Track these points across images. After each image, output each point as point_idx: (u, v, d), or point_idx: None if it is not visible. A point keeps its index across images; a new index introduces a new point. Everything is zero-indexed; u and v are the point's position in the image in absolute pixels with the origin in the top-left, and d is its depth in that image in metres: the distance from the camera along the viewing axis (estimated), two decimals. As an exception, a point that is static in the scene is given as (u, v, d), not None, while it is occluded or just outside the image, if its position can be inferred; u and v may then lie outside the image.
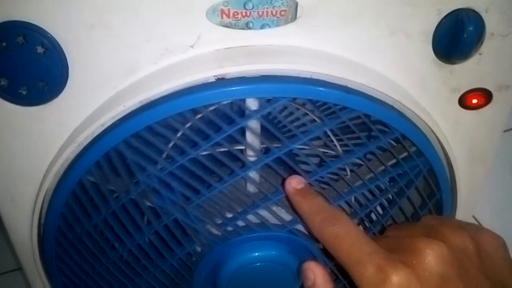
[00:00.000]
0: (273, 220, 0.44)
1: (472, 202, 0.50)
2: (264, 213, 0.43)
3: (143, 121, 0.38)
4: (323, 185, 0.43)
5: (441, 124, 0.43)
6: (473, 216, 0.72)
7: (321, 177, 0.42)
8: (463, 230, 0.36)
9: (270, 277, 0.46)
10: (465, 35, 0.38)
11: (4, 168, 0.41)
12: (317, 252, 0.46)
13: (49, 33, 0.35)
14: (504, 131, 0.46)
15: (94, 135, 0.39)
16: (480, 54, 0.40)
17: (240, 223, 0.44)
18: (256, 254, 0.45)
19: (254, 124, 0.41)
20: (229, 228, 0.44)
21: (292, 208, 0.41)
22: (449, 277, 0.33)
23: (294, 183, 0.40)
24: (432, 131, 0.43)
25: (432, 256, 0.33)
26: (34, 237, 0.44)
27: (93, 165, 0.40)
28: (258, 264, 0.45)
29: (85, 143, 0.39)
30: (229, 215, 0.43)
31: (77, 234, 0.43)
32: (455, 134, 0.44)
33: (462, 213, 0.49)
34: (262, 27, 0.37)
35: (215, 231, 0.44)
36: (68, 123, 0.39)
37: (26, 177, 0.41)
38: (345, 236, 0.36)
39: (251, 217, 0.43)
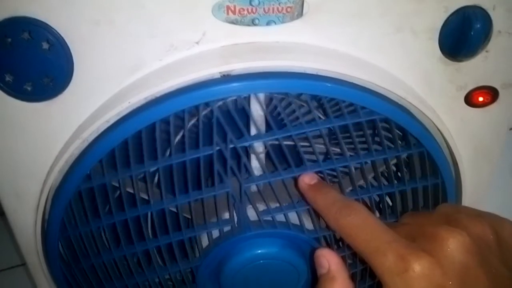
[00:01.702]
0: (278, 217, 0.44)
1: (477, 201, 0.50)
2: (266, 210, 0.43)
3: (148, 117, 0.38)
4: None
5: (446, 122, 0.43)
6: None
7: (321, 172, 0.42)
8: (482, 218, 0.35)
9: (274, 275, 0.46)
10: (472, 33, 0.38)
11: (9, 163, 0.41)
12: (313, 241, 0.46)
13: (54, 29, 0.35)
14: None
15: (99, 132, 0.39)
16: (486, 51, 0.40)
17: (226, 227, 0.44)
18: (259, 251, 0.45)
19: (259, 122, 0.40)
20: (230, 227, 0.44)
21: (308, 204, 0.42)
22: (470, 265, 0.33)
23: (307, 179, 0.40)
24: (438, 129, 0.42)
25: (454, 245, 0.33)
26: (38, 233, 0.44)
27: (98, 161, 0.39)
28: (262, 261, 0.45)
29: (90, 140, 0.39)
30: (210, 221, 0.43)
31: (81, 230, 0.43)
32: (461, 132, 0.44)
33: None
34: (268, 23, 0.37)
35: (200, 241, 0.44)
36: (73, 119, 0.39)
37: (31, 173, 0.41)
38: (362, 225, 0.35)
39: (253, 215, 0.43)
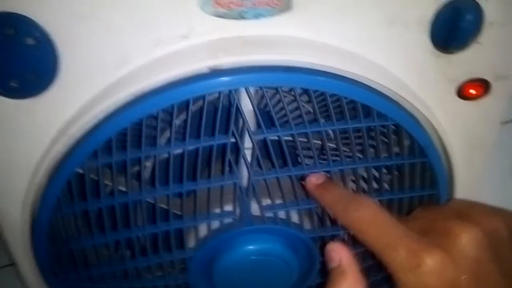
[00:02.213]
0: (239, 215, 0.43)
1: (471, 194, 0.50)
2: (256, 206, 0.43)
3: (136, 113, 0.37)
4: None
5: (438, 115, 0.43)
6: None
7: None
8: (495, 214, 0.35)
9: (266, 271, 0.46)
10: (463, 24, 0.37)
11: (-5, 161, 0.41)
12: (310, 240, 0.46)
13: (39, 25, 0.35)
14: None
15: (87, 128, 0.38)
16: (478, 43, 0.39)
17: (235, 216, 0.43)
18: (251, 247, 0.45)
19: (249, 117, 0.40)
20: (224, 222, 0.43)
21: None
22: (483, 260, 0.32)
23: (314, 179, 0.41)
24: (430, 122, 0.42)
25: (467, 240, 0.32)
26: (26, 231, 0.43)
27: (86, 158, 0.39)
28: (254, 257, 0.45)
29: (77, 136, 0.39)
30: (226, 208, 0.43)
31: (69, 228, 0.42)
32: (453, 125, 0.44)
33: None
34: (256, 17, 0.36)
35: (203, 228, 0.44)
36: (59, 116, 0.39)
37: (18, 171, 0.41)
38: (372, 219, 0.35)
39: (255, 210, 0.43)
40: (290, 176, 0.42)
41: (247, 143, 0.42)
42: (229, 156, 0.40)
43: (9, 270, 0.72)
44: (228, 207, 0.43)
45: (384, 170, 0.44)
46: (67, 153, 0.39)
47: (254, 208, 0.43)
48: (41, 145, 0.40)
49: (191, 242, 0.45)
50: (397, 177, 0.45)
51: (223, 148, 0.40)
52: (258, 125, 0.40)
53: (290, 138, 0.41)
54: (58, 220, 0.42)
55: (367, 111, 0.40)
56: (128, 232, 0.43)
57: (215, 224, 0.44)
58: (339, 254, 0.37)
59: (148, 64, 0.37)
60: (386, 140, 0.42)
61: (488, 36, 0.39)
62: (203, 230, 0.44)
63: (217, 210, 0.43)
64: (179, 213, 0.44)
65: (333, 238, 0.47)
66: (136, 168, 0.42)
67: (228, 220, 0.44)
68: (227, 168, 0.41)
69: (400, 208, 0.45)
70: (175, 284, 0.47)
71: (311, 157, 0.42)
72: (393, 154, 0.43)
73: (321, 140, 0.41)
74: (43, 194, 0.41)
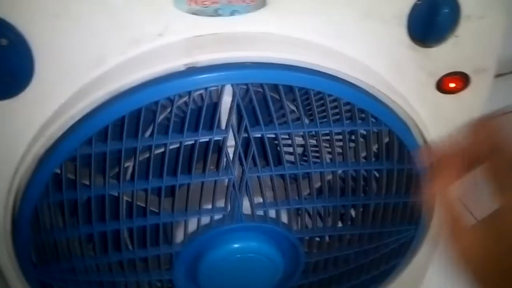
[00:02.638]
0: (248, 211, 0.43)
1: (454, 186, 0.50)
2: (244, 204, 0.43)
3: (113, 113, 0.37)
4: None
5: (419, 110, 0.43)
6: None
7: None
8: None
9: (251, 269, 0.46)
10: (439, 18, 0.37)
11: (-27, 164, 0.40)
12: (297, 241, 0.46)
13: (12, 25, 0.34)
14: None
15: (64, 129, 0.38)
16: (456, 37, 0.39)
17: (218, 215, 0.43)
18: (240, 245, 0.45)
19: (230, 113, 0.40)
20: (207, 220, 0.43)
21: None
22: None
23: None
24: (410, 117, 0.42)
25: None
26: (8, 234, 0.43)
27: (65, 159, 0.39)
28: (241, 255, 0.45)
29: (55, 137, 0.38)
30: (208, 207, 0.43)
31: (51, 229, 0.42)
32: (434, 119, 0.44)
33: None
34: (231, 13, 0.36)
35: (193, 223, 0.43)
36: (37, 117, 0.38)
37: (-2, 172, 0.41)
38: None
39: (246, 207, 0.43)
40: (282, 175, 0.42)
41: (230, 141, 0.42)
42: (226, 151, 0.40)
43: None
44: (220, 203, 0.43)
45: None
46: (46, 154, 0.39)
47: (245, 206, 0.43)
48: (20, 146, 0.40)
49: (179, 237, 0.44)
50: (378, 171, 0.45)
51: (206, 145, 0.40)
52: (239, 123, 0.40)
53: (274, 136, 0.41)
54: (39, 220, 0.42)
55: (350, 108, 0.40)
56: (116, 224, 0.42)
57: (205, 220, 0.44)
58: (436, 150, 0.36)
59: (124, 63, 0.37)
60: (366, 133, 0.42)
61: (465, 29, 0.39)
62: (192, 225, 0.44)
63: (209, 206, 0.43)
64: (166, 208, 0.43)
65: (321, 239, 0.47)
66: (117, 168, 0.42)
67: (218, 216, 0.43)
68: (223, 164, 0.41)
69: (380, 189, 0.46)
70: (158, 280, 0.47)
71: (291, 154, 0.41)
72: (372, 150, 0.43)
73: (303, 138, 0.41)
74: (24, 196, 0.40)
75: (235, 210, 0.43)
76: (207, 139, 0.40)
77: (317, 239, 0.48)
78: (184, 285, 0.47)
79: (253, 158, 0.41)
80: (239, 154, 0.41)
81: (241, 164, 0.41)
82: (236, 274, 0.46)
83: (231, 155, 0.42)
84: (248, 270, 0.46)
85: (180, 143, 0.39)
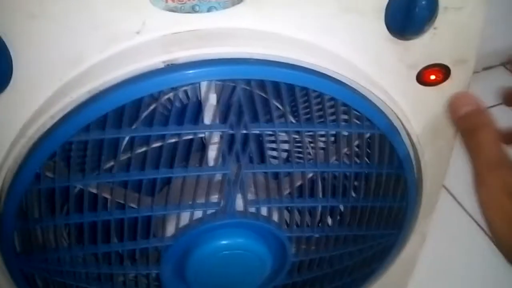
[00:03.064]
0: (240, 207, 0.43)
1: (440, 176, 0.50)
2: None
3: (93, 112, 0.37)
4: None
5: (400, 103, 0.43)
6: (444, 186, 0.72)
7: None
8: None
9: (239, 266, 0.46)
10: (417, 10, 0.37)
11: (-46, 167, 0.40)
12: (286, 240, 0.46)
13: (-12, 26, 0.34)
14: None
15: (45, 128, 0.38)
16: (434, 28, 0.39)
17: (205, 211, 0.43)
18: (223, 242, 0.45)
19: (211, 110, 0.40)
20: (199, 215, 0.43)
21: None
22: None
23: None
24: (392, 110, 0.42)
25: None
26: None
27: (47, 159, 0.39)
28: (228, 252, 0.45)
29: (36, 137, 0.38)
30: (197, 202, 0.43)
31: (35, 230, 0.42)
32: (416, 112, 0.44)
33: (430, 190, 0.48)
34: (209, 9, 0.36)
35: (179, 220, 0.43)
36: (17, 118, 0.38)
37: (-22, 176, 0.40)
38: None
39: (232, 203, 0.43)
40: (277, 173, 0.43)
41: (215, 138, 0.42)
42: (224, 146, 0.40)
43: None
44: (214, 198, 0.43)
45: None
46: (27, 155, 0.39)
47: (238, 203, 0.43)
48: (1, 148, 0.39)
49: (170, 231, 0.44)
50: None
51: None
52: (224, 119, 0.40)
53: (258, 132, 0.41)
54: (23, 219, 0.42)
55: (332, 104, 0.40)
56: (107, 215, 0.42)
57: (197, 215, 0.44)
58: (471, 98, 0.37)
59: (103, 61, 0.37)
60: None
61: (443, 21, 0.39)
62: (184, 219, 0.44)
63: (202, 200, 0.43)
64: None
65: (309, 239, 0.48)
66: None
67: (211, 211, 0.43)
68: (220, 159, 0.41)
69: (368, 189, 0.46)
70: (144, 275, 0.47)
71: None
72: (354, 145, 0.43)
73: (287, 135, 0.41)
74: (7, 198, 0.40)
75: (228, 205, 0.43)
76: (191, 136, 0.40)
77: (305, 238, 0.48)
78: (171, 280, 0.47)
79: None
80: (237, 149, 0.40)
81: (238, 160, 0.41)
82: (224, 271, 0.46)
83: (214, 152, 0.42)
84: (236, 267, 0.46)
85: (165, 136, 0.39)
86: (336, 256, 0.50)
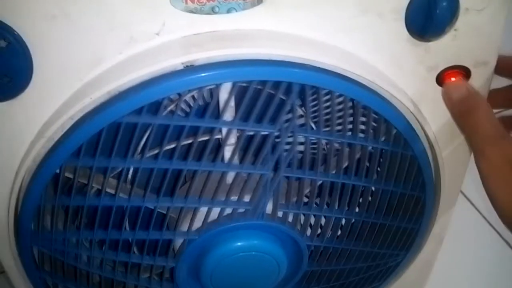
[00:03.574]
0: (253, 209, 0.43)
1: (458, 179, 0.49)
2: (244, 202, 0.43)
3: (113, 113, 0.37)
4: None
5: (420, 104, 0.42)
6: (461, 191, 0.72)
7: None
8: None
9: (253, 267, 0.46)
10: (438, 11, 0.37)
11: (-27, 167, 0.40)
12: (305, 248, 0.46)
13: (10, 26, 0.34)
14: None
15: (64, 129, 0.38)
16: (455, 30, 0.39)
17: (220, 213, 0.43)
18: (239, 244, 0.44)
19: (229, 112, 0.40)
20: (209, 219, 0.43)
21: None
22: None
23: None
24: (411, 112, 0.42)
25: None
26: (11, 236, 0.43)
27: (66, 159, 0.39)
28: (239, 254, 0.45)
29: (55, 138, 0.38)
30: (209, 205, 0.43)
31: (53, 231, 0.42)
32: (435, 114, 0.43)
33: (448, 192, 0.48)
34: (228, 11, 0.36)
35: (195, 222, 0.43)
36: (36, 118, 0.38)
37: (-1, 175, 0.41)
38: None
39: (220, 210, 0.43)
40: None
41: (232, 139, 0.42)
42: (268, 147, 0.40)
43: (0, 278, 0.73)
44: (247, 197, 0.43)
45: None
46: (46, 155, 0.39)
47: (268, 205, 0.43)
48: (21, 148, 0.40)
49: (196, 225, 0.44)
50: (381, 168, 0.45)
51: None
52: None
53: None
54: (40, 221, 0.42)
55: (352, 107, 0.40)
56: (140, 201, 0.42)
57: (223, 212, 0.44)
58: (464, 83, 0.40)
59: (122, 62, 0.37)
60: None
61: (464, 22, 0.39)
62: (213, 215, 0.44)
63: (234, 198, 0.43)
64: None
65: (325, 250, 0.48)
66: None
67: (241, 210, 0.43)
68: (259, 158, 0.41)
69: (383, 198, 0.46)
70: (161, 269, 0.47)
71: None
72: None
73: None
74: (25, 198, 0.41)
75: (260, 207, 0.43)
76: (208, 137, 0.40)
77: (321, 249, 0.48)
78: (184, 278, 0.47)
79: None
80: (281, 151, 0.41)
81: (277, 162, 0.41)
82: (240, 272, 0.46)
83: (229, 153, 0.42)
84: (253, 270, 0.46)
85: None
86: (345, 270, 0.50)
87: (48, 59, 0.36)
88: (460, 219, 0.64)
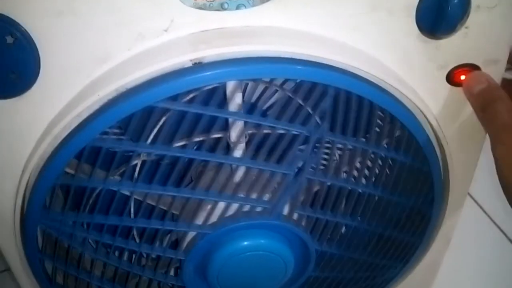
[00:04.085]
0: (240, 210, 0.43)
1: (466, 180, 0.49)
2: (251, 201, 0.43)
3: (120, 111, 0.37)
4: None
5: (429, 103, 0.42)
6: (469, 193, 0.71)
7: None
8: None
9: (261, 267, 0.46)
10: (449, 9, 0.36)
11: (-20, 164, 0.40)
12: (313, 252, 0.46)
13: (17, 23, 0.34)
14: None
15: (72, 127, 0.38)
16: (466, 28, 0.39)
17: (227, 212, 0.43)
18: (246, 243, 0.44)
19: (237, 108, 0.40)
20: (216, 218, 0.43)
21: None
22: None
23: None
24: (420, 110, 0.41)
25: None
26: (17, 233, 0.43)
27: (73, 157, 0.39)
28: (248, 253, 0.44)
29: (62, 135, 0.38)
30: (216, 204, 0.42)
31: (59, 228, 0.42)
32: (445, 112, 0.43)
33: (456, 191, 0.48)
34: (237, 7, 0.36)
35: (202, 221, 0.43)
36: (43, 115, 0.38)
37: (5, 172, 0.40)
38: None
39: (238, 206, 0.43)
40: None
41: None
42: (295, 148, 0.40)
43: (4, 276, 0.73)
44: (267, 196, 0.43)
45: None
46: (53, 152, 0.39)
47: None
48: (27, 145, 0.39)
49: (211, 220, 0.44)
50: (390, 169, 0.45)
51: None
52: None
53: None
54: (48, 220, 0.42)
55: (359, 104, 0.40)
56: (163, 189, 0.41)
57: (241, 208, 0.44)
58: (485, 75, 0.40)
59: (130, 59, 0.37)
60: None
61: (475, 20, 0.38)
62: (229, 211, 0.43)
63: (254, 196, 0.43)
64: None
65: (331, 256, 0.48)
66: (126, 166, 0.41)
67: (259, 208, 0.43)
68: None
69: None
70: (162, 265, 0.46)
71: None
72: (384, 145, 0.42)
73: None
74: (32, 195, 0.40)
75: (278, 207, 0.43)
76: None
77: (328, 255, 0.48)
78: (190, 274, 0.46)
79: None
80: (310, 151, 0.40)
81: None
82: (247, 272, 0.46)
83: (240, 151, 0.42)
84: (261, 269, 0.46)
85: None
86: (344, 279, 0.51)
87: (55, 55, 0.36)
88: (466, 220, 0.64)
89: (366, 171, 0.45)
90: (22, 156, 0.40)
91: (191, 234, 0.44)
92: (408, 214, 0.47)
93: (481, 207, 0.92)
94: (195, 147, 0.41)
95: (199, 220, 0.43)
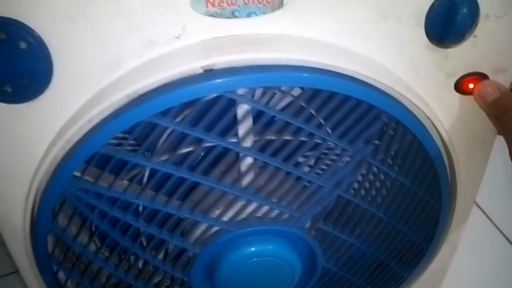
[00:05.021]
0: (268, 213, 0.43)
1: (473, 188, 0.49)
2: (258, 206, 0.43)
3: (132, 117, 0.37)
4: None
5: (437, 111, 0.42)
6: (475, 202, 0.71)
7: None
8: None
9: (268, 272, 0.46)
10: (458, 18, 0.37)
11: (-8, 167, 0.40)
12: (320, 253, 0.46)
13: (31, 28, 0.34)
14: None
15: (83, 132, 0.38)
16: (475, 36, 0.39)
17: (235, 217, 0.43)
18: (253, 249, 0.44)
19: (246, 115, 0.40)
20: (223, 224, 0.43)
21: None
22: None
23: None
24: (428, 118, 0.42)
25: None
26: (27, 237, 0.43)
27: (83, 162, 0.39)
28: (255, 259, 0.45)
29: (74, 140, 0.38)
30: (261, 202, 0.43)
31: (68, 233, 0.42)
32: (453, 120, 0.43)
33: (463, 199, 0.48)
34: (248, 15, 0.36)
35: (210, 226, 0.43)
36: (55, 120, 0.39)
37: (16, 176, 0.41)
38: None
39: (246, 211, 0.43)
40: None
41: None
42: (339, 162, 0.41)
43: (13, 278, 0.73)
44: (295, 205, 0.43)
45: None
46: (64, 157, 0.39)
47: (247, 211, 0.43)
48: (38, 150, 0.40)
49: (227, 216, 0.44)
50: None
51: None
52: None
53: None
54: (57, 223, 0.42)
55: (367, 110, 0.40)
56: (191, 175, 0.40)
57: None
58: (497, 85, 0.41)
59: (142, 65, 0.37)
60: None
61: (484, 29, 0.39)
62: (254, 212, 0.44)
63: (285, 203, 0.43)
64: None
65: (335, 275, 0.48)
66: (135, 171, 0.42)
67: (285, 215, 0.44)
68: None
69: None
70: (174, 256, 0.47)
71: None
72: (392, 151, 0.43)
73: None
74: (42, 199, 0.41)
75: (305, 217, 0.43)
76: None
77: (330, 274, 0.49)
78: (197, 274, 0.46)
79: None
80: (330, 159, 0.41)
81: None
82: (255, 277, 0.46)
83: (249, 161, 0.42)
84: (269, 276, 0.46)
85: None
86: None
87: (68, 61, 0.36)
88: (472, 228, 0.64)
89: (384, 191, 0.45)
90: (33, 160, 0.40)
91: (213, 228, 0.44)
92: (411, 244, 0.48)
93: (485, 214, 0.92)
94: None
95: (227, 216, 0.43)
